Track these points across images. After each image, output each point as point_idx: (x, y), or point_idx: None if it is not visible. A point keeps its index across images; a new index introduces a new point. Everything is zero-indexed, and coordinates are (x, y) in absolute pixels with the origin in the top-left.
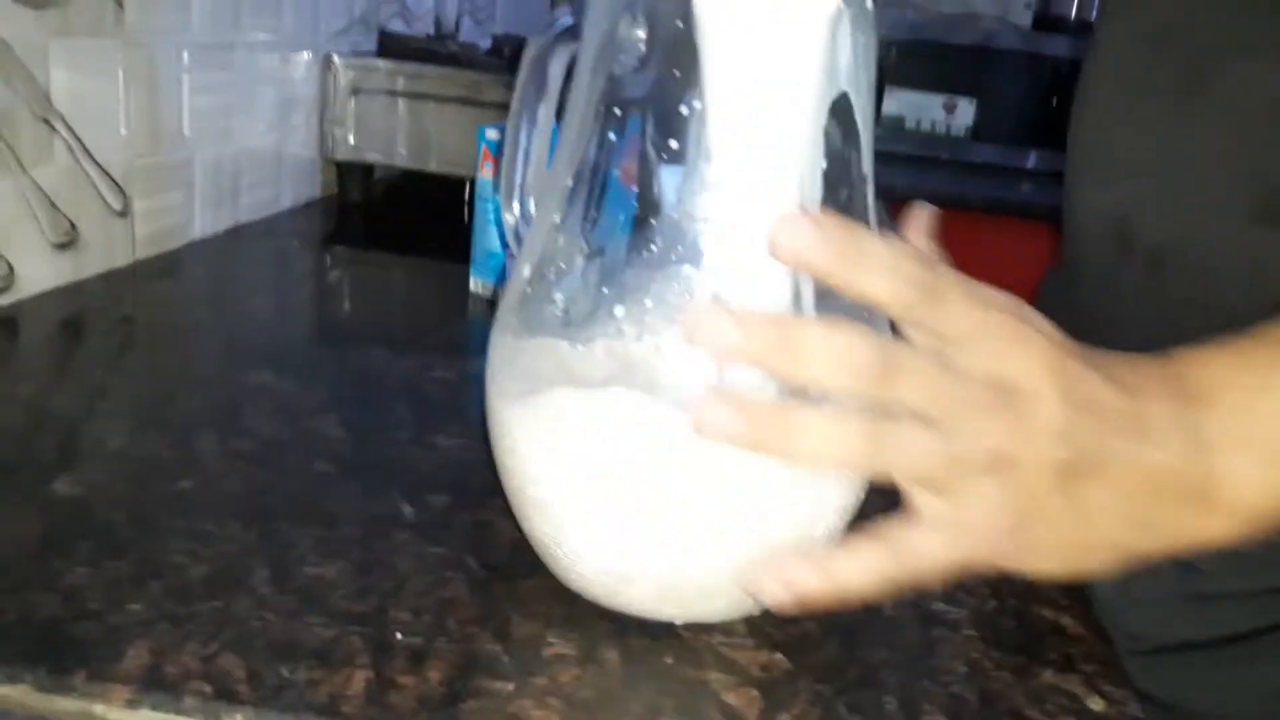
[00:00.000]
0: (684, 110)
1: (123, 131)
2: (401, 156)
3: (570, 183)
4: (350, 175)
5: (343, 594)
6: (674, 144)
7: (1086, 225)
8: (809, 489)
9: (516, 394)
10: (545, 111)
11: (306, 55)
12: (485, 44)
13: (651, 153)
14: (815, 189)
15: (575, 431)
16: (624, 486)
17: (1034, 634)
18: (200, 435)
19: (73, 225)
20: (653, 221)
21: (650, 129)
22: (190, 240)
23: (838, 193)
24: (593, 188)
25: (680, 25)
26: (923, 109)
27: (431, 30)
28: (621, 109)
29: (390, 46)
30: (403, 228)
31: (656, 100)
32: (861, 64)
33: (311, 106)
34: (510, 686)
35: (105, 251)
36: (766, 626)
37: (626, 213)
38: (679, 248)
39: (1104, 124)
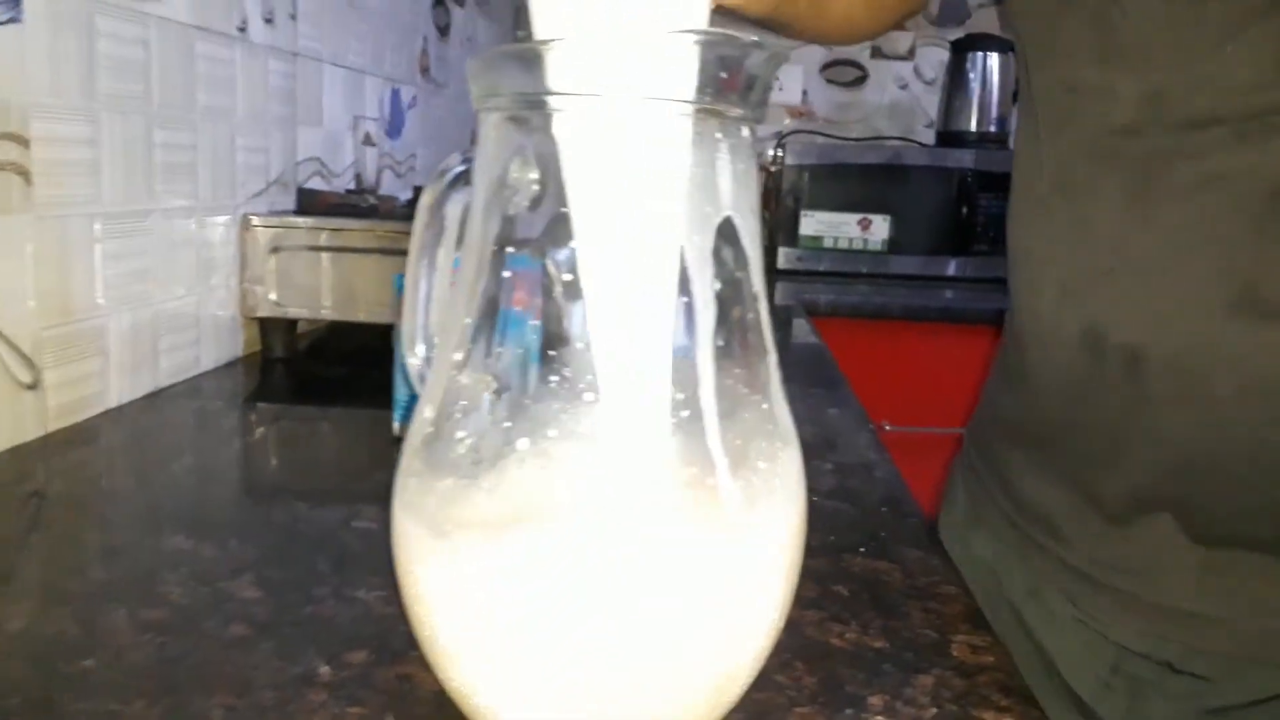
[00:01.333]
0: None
1: (30, 304)
2: (327, 309)
3: (470, 321)
4: (273, 331)
5: None
6: (571, 277)
7: (1048, 337)
8: (729, 624)
9: (421, 540)
10: (444, 254)
11: (224, 218)
12: (406, 195)
13: (552, 286)
14: (709, 309)
15: (482, 576)
16: (536, 631)
17: None
18: (108, 608)
19: None
20: (552, 353)
21: (549, 264)
22: (107, 408)
23: (731, 311)
24: (493, 324)
25: None
26: (839, 228)
27: (352, 185)
28: (517, 247)
29: (309, 203)
30: (328, 379)
31: (553, 236)
32: (743, 188)
33: (231, 267)
34: None
35: (14, 426)
36: None
37: (527, 347)
38: (587, 377)
39: (1054, 238)
